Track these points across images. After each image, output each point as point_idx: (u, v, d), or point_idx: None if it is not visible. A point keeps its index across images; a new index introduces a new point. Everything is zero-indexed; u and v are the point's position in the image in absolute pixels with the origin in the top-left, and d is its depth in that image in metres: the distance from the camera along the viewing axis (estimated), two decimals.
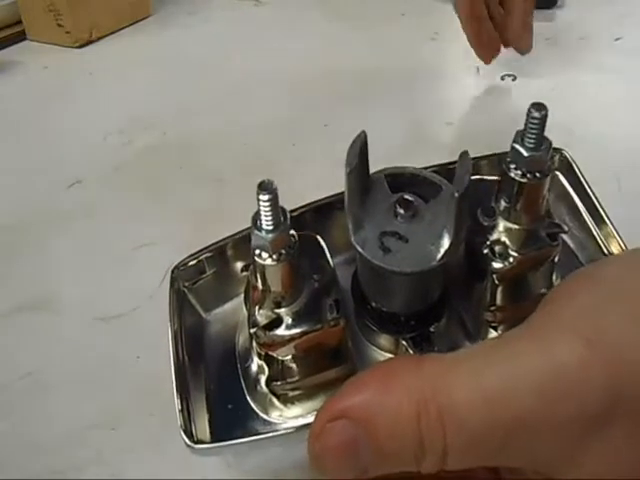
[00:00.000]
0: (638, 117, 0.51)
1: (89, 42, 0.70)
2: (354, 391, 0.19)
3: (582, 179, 0.31)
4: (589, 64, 0.60)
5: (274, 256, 0.23)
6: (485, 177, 0.27)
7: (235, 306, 0.30)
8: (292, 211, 0.28)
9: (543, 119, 0.22)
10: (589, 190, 0.30)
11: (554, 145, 0.24)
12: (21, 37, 0.72)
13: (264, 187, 0.22)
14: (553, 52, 0.61)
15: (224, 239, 0.30)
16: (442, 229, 0.22)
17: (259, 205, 0.22)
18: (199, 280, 0.30)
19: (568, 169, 0.31)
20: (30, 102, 0.60)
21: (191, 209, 0.44)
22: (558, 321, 0.19)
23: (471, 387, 0.18)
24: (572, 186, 0.31)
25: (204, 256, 0.29)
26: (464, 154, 0.22)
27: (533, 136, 0.22)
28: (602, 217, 0.30)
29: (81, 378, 0.33)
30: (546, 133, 0.23)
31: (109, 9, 0.71)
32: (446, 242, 0.22)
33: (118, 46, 0.70)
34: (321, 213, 0.30)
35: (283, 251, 0.23)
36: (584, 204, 0.31)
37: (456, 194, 0.21)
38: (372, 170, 0.24)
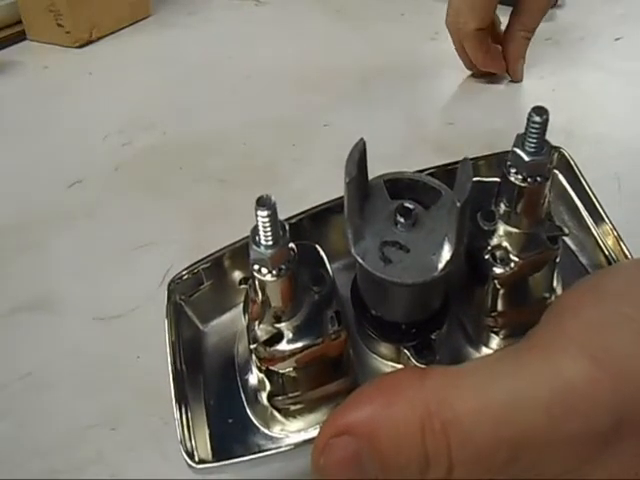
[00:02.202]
0: (638, 117, 0.51)
1: (89, 42, 0.70)
2: (358, 405, 0.19)
3: (581, 178, 0.30)
4: (589, 64, 0.60)
5: (274, 271, 0.22)
6: (484, 179, 0.26)
7: (233, 317, 0.29)
8: (290, 218, 0.28)
9: (544, 123, 0.22)
10: (588, 189, 0.30)
11: (553, 144, 0.23)
12: (21, 37, 0.72)
13: (262, 203, 0.21)
14: (553, 52, 0.61)
15: (221, 249, 0.29)
16: (443, 238, 0.22)
17: (257, 220, 0.21)
18: (196, 292, 0.29)
19: (567, 168, 0.31)
20: (30, 102, 0.60)
21: (191, 209, 0.44)
22: (564, 336, 0.19)
23: (476, 401, 0.18)
24: (571, 185, 0.31)
25: (201, 267, 0.29)
26: (465, 160, 0.21)
27: (534, 140, 0.22)
28: (601, 216, 0.29)
29: (81, 378, 0.33)
30: (546, 133, 0.23)
31: (109, 9, 0.71)
32: (448, 251, 0.21)
33: (118, 46, 0.70)
34: (319, 219, 0.30)
35: (283, 266, 0.22)
36: (583, 203, 0.30)
37: (458, 204, 0.20)
38: (371, 174, 0.24)
